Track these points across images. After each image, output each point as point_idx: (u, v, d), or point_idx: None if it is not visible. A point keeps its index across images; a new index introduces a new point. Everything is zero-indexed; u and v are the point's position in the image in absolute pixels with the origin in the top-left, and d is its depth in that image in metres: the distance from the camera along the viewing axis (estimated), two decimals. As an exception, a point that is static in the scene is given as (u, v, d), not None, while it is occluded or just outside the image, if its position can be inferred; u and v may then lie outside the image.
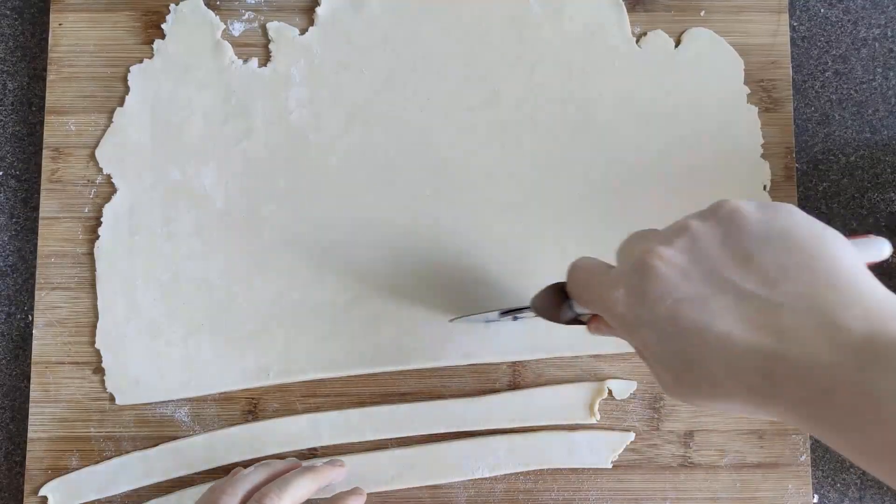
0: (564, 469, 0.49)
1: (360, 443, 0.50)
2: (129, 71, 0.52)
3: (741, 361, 0.29)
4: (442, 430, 0.50)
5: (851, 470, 0.51)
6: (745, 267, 0.30)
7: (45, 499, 0.49)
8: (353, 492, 0.47)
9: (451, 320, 0.49)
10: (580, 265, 0.38)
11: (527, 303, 0.43)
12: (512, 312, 0.46)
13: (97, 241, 0.51)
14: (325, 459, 0.49)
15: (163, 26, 0.53)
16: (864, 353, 0.27)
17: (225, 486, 0.43)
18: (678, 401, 0.31)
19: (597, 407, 0.49)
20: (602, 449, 0.49)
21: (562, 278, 0.50)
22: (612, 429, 0.50)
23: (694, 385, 0.31)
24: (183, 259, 0.51)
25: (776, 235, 0.30)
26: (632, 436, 0.50)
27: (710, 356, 0.30)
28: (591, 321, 0.41)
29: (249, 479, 0.43)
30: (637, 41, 0.53)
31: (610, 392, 0.50)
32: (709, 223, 0.32)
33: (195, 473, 0.49)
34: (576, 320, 0.41)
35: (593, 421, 0.50)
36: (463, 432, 0.50)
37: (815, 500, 0.50)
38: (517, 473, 0.49)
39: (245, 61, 0.53)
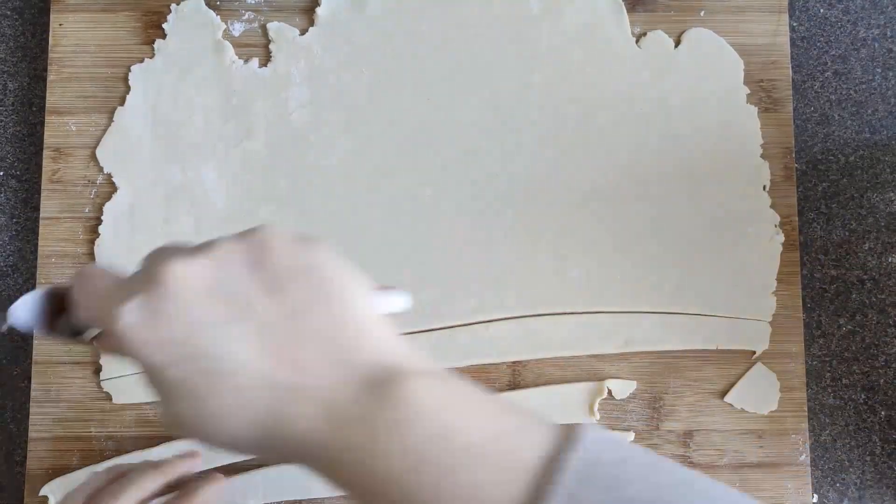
0: (564, 469, 0.49)
1: (360, 442, 0.50)
2: (129, 70, 0.52)
3: (253, 392, 0.28)
4: (442, 430, 0.50)
5: (851, 470, 0.51)
6: (271, 297, 0.29)
7: (45, 499, 0.49)
8: (209, 479, 0.45)
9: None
10: (89, 272, 0.34)
11: None
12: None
13: (97, 240, 0.51)
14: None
15: (164, 26, 0.53)
16: (368, 387, 0.28)
17: (68, 496, 0.42)
18: (178, 433, 0.31)
19: (596, 407, 0.50)
20: (602, 449, 0.49)
21: (563, 279, 0.51)
22: (612, 429, 0.50)
23: (200, 417, 0.29)
24: (183, 259, 0.51)
25: (304, 270, 0.30)
26: (631, 436, 0.50)
27: (222, 385, 0.28)
28: (100, 337, 0.36)
29: (92, 484, 0.42)
30: (637, 41, 0.53)
31: (609, 392, 0.50)
32: (241, 246, 0.30)
33: (195, 474, 0.49)
34: (77, 334, 0.36)
35: (593, 421, 0.50)
36: (463, 432, 0.50)
37: (815, 500, 0.50)
38: (517, 473, 0.49)
39: (245, 61, 0.53)
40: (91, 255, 0.51)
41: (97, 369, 0.50)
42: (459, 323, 0.50)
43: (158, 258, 0.30)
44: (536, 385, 0.50)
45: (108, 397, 0.50)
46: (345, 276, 0.31)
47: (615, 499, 0.24)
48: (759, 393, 0.50)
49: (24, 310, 0.36)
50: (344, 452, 0.28)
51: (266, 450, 0.29)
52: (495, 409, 0.28)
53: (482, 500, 0.25)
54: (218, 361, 0.28)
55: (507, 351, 0.50)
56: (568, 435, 0.26)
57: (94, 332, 0.36)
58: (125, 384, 0.50)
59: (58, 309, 0.35)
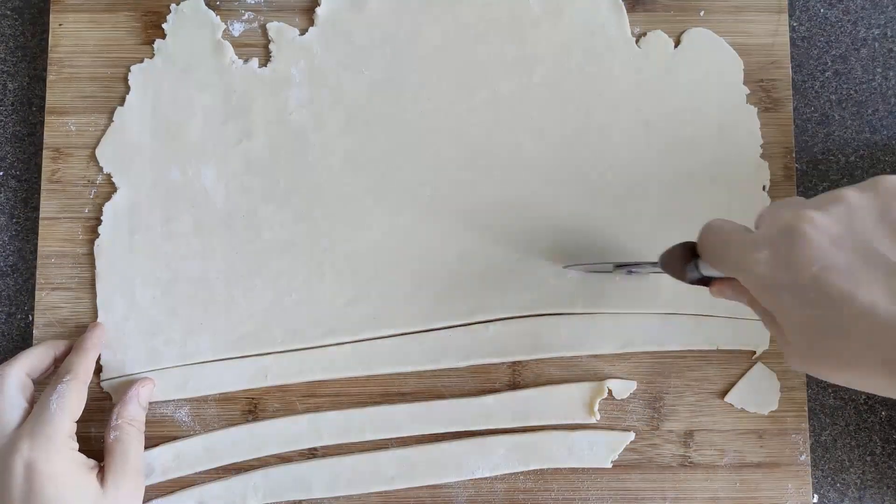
0: (564, 469, 0.49)
1: (360, 443, 0.50)
2: (129, 70, 0.52)
3: (883, 334, 0.30)
4: (442, 430, 0.50)
5: (851, 470, 0.51)
6: None
7: (45, 499, 0.49)
8: (141, 382, 0.48)
9: (566, 267, 0.50)
10: (716, 225, 0.38)
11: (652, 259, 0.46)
12: (628, 266, 0.48)
13: (97, 240, 0.51)
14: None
15: (164, 26, 0.53)
16: None
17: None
18: (801, 369, 0.34)
19: (596, 407, 0.50)
20: (602, 449, 0.49)
21: (562, 279, 0.51)
22: (612, 428, 0.50)
23: (827, 354, 0.32)
24: (182, 258, 0.51)
25: None
26: (632, 435, 0.50)
27: (852, 326, 0.30)
28: (716, 284, 0.41)
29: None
30: (636, 41, 0.53)
31: (610, 392, 0.50)
32: (867, 195, 0.33)
33: (195, 473, 0.49)
34: (700, 281, 0.41)
35: (593, 421, 0.50)
36: (463, 432, 0.50)
37: (815, 500, 0.50)
38: (517, 473, 0.49)
39: (245, 61, 0.53)
40: (91, 256, 0.51)
41: (97, 370, 0.50)
42: (459, 323, 0.50)
43: (785, 210, 0.33)
44: (536, 385, 0.50)
45: (108, 397, 0.50)
46: None
47: None
48: (759, 393, 0.50)
49: (666, 258, 0.42)
50: None
51: (885, 383, 0.31)
52: None
53: None
54: (849, 303, 0.30)
55: (508, 351, 0.50)
56: None
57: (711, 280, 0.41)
58: (125, 385, 0.50)
59: (689, 258, 0.41)
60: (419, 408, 0.50)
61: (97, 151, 0.52)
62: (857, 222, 0.32)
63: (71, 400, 0.44)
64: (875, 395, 0.51)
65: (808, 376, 0.51)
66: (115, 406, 0.47)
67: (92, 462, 0.45)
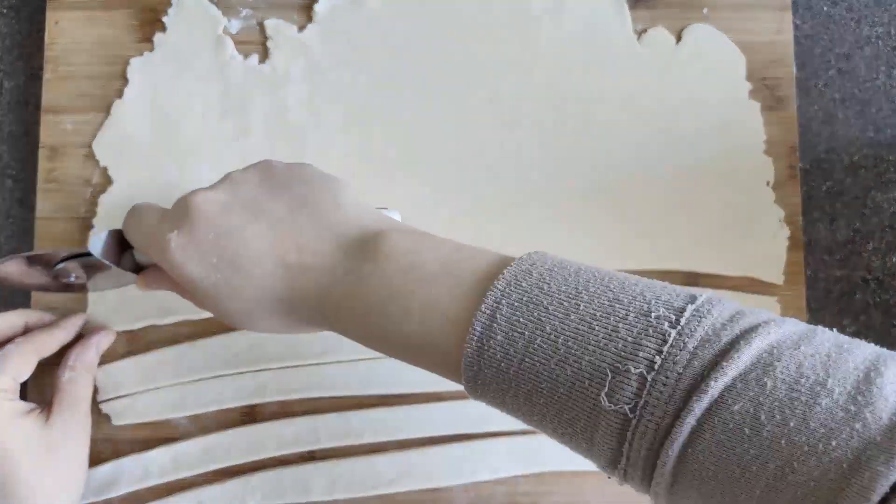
0: (565, 472, 0.49)
1: (358, 445, 0.49)
2: (128, 64, 0.52)
3: (271, 279, 0.35)
4: (442, 433, 0.49)
5: (855, 472, 0.50)
6: (277, 199, 0.37)
7: (42, 501, 0.48)
8: (101, 332, 0.48)
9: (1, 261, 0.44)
10: (137, 209, 0.41)
11: None
12: (74, 259, 0.44)
13: (90, 233, 0.50)
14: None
15: (164, 19, 0.52)
16: (354, 249, 0.35)
17: None
18: (236, 328, 0.40)
19: (598, 408, 0.49)
20: (603, 451, 0.49)
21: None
22: (614, 430, 0.49)
23: (236, 311, 0.36)
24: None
25: (298, 178, 0.38)
26: (633, 437, 0.49)
27: (247, 279, 0.35)
28: (144, 273, 0.43)
29: None
30: (638, 38, 0.52)
31: (611, 393, 0.49)
32: (247, 171, 0.39)
33: (194, 475, 0.49)
34: (138, 269, 0.43)
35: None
36: (463, 435, 0.49)
37: (818, 503, 0.50)
38: (517, 476, 0.49)
39: (245, 57, 0.52)
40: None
41: (94, 390, 0.49)
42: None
43: (185, 196, 0.38)
44: (537, 386, 0.50)
45: (109, 419, 0.49)
46: (330, 178, 0.39)
47: (541, 292, 0.30)
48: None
49: (98, 243, 0.42)
50: (341, 302, 0.34)
51: (294, 323, 0.37)
52: (453, 247, 0.34)
53: (438, 310, 0.32)
54: (241, 260, 0.35)
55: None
56: (504, 257, 0.33)
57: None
58: (123, 407, 0.49)
59: (124, 246, 0.42)
60: (418, 410, 0.49)
61: (94, 144, 0.51)
62: (240, 190, 0.37)
63: (13, 360, 0.44)
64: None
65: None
66: (72, 349, 0.47)
67: (28, 406, 0.45)
